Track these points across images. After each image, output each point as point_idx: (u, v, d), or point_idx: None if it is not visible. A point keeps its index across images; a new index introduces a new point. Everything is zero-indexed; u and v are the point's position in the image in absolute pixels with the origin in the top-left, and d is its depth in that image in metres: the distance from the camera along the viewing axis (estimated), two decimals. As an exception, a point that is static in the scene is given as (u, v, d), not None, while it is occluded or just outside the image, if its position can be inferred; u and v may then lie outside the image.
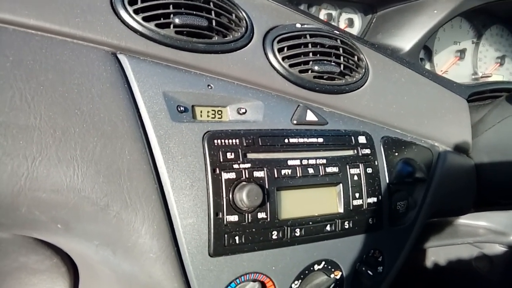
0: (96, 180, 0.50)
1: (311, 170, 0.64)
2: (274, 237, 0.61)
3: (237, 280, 0.60)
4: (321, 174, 0.65)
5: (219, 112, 0.61)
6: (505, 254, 1.00)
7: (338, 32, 0.76)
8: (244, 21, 0.67)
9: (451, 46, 1.15)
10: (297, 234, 0.63)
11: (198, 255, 0.56)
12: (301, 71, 0.69)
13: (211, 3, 0.63)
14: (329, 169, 0.66)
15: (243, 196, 0.56)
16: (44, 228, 0.54)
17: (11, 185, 0.46)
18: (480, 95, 0.97)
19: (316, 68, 0.69)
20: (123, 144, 0.52)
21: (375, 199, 0.70)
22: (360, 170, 0.69)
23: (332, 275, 0.69)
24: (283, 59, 0.68)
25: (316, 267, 0.67)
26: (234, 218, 0.57)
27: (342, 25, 1.02)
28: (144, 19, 0.57)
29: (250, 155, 0.60)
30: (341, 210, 0.66)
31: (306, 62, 0.69)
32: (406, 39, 0.92)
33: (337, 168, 0.66)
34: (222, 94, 0.61)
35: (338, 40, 0.74)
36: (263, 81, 0.66)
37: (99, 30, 0.54)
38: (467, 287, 1.10)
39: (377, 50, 0.82)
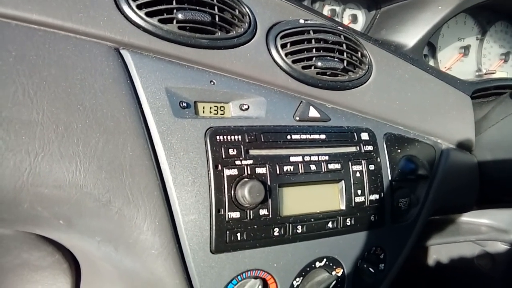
0: (98, 176, 0.50)
1: (313, 167, 0.64)
2: (276, 234, 0.61)
3: (239, 277, 0.60)
4: (323, 170, 0.65)
5: (222, 108, 0.61)
6: (507, 252, 1.00)
7: (341, 28, 0.76)
8: (247, 17, 0.66)
9: (455, 42, 1.15)
10: (299, 231, 0.62)
11: (199, 251, 0.56)
12: (304, 67, 0.68)
13: (214, -1, 0.62)
14: (331, 166, 0.66)
15: (245, 193, 0.56)
16: (46, 224, 0.54)
17: (13, 180, 0.46)
18: (484, 92, 0.97)
19: (319, 64, 0.69)
20: (126, 139, 0.52)
21: (377, 196, 0.70)
22: (362, 167, 0.69)
23: (333, 272, 0.69)
24: (286, 55, 0.67)
25: (317, 264, 0.67)
26: (236, 214, 0.57)
27: (346, 21, 1.01)
28: (147, 14, 0.57)
29: (252, 152, 0.60)
30: (343, 207, 0.66)
31: (309, 58, 0.69)
32: (410, 35, 0.91)
33: (340, 164, 0.66)
34: (225, 90, 0.61)
35: (342, 36, 0.73)
36: (266, 77, 0.65)
37: (102, 25, 0.54)
38: (469, 285, 1.10)
39: (380, 46, 0.81)
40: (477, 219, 0.97)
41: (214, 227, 0.56)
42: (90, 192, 0.50)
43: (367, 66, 0.75)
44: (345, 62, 0.72)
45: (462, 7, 0.93)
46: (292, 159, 0.62)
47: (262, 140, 0.61)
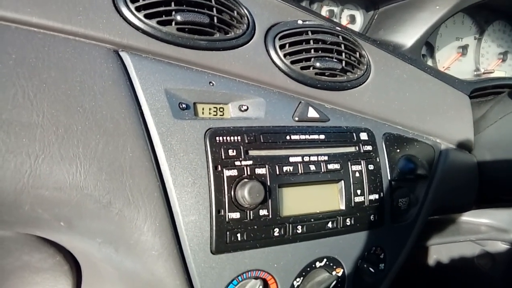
0: (98, 177, 0.50)
1: (312, 167, 0.64)
2: (276, 234, 0.61)
3: (239, 277, 0.60)
4: (322, 171, 0.65)
5: (221, 109, 0.61)
6: (507, 251, 1.00)
7: (340, 29, 0.76)
8: (245, 18, 0.67)
9: (453, 42, 1.15)
10: (299, 231, 0.63)
11: (200, 252, 0.56)
12: (302, 68, 0.69)
13: (213, 0, 0.63)
14: (330, 166, 0.66)
15: (245, 193, 0.56)
16: (47, 226, 0.54)
17: (14, 182, 0.46)
18: (482, 91, 0.97)
19: (318, 64, 0.69)
20: (125, 141, 0.52)
21: (376, 196, 0.70)
22: (361, 167, 0.69)
23: (333, 272, 0.69)
24: (284, 56, 0.68)
25: (317, 264, 0.67)
26: (236, 215, 0.57)
27: (344, 21, 1.02)
28: (146, 16, 0.57)
29: (252, 152, 0.60)
30: (342, 207, 0.67)
31: (308, 59, 0.69)
32: (408, 35, 0.91)
33: (339, 165, 0.66)
34: (224, 91, 0.61)
35: (340, 37, 0.74)
36: (264, 78, 0.65)
37: (101, 27, 0.54)
38: (469, 285, 1.10)
39: (379, 47, 0.81)
40: (476, 219, 0.97)
41: (214, 228, 0.56)
42: (91, 193, 0.50)
43: (365, 66, 0.76)
44: (344, 62, 0.72)
45: (459, 7, 0.93)
46: (291, 159, 0.63)
47: (262, 140, 0.61)
